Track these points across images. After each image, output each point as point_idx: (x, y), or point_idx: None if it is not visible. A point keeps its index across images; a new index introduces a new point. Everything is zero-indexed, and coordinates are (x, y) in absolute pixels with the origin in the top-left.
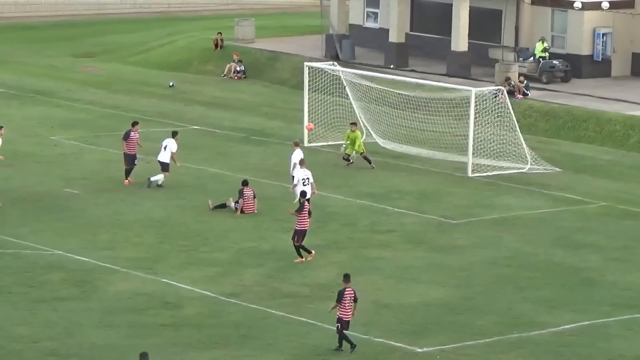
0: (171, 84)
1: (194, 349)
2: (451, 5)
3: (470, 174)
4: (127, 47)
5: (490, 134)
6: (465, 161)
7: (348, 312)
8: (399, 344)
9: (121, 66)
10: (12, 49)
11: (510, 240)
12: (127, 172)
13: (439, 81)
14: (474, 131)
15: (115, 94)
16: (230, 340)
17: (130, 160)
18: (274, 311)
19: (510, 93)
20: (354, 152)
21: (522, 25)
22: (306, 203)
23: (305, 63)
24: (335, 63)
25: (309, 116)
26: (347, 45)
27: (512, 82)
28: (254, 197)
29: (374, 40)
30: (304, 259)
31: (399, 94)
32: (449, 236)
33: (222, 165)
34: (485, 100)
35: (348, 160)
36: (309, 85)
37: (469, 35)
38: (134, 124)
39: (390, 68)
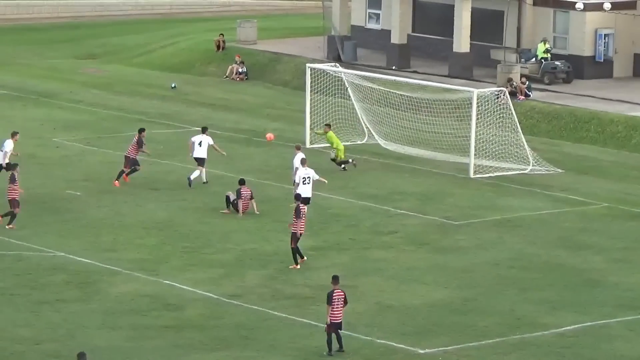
0: (173, 85)
1: (196, 350)
2: (453, 6)
3: (472, 175)
4: (130, 48)
5: (492, 135)
6: (468, 162)
7: (338, 313)
8: (402, 345)
9: (123, 68)
10: (14, 51)
11: (512, 242)
12: (120, 174)
13: (441, 82)
14: (476, 132)
15: (118, 95)
16: (233, 341)
17: (131, 163)
18: (276, 312)
19: (512, 94)
20: (337, 153)
21: (524, 26)
22: (301, 206)
23: (308, 64)
24: (337, 64)
25: (311, 118)
26: (349, 46)
27: (514, 83)
28: (251, 197)
29: (376, 41)
30: (298, 266)
31: (401, 95)
32: (452, 237)
33: (224, 167)
34: (487, 101)
35: (346, 162)
36: (311, 87)
37: (471, 36)
38: (142, 130)
39: (392, 69)
